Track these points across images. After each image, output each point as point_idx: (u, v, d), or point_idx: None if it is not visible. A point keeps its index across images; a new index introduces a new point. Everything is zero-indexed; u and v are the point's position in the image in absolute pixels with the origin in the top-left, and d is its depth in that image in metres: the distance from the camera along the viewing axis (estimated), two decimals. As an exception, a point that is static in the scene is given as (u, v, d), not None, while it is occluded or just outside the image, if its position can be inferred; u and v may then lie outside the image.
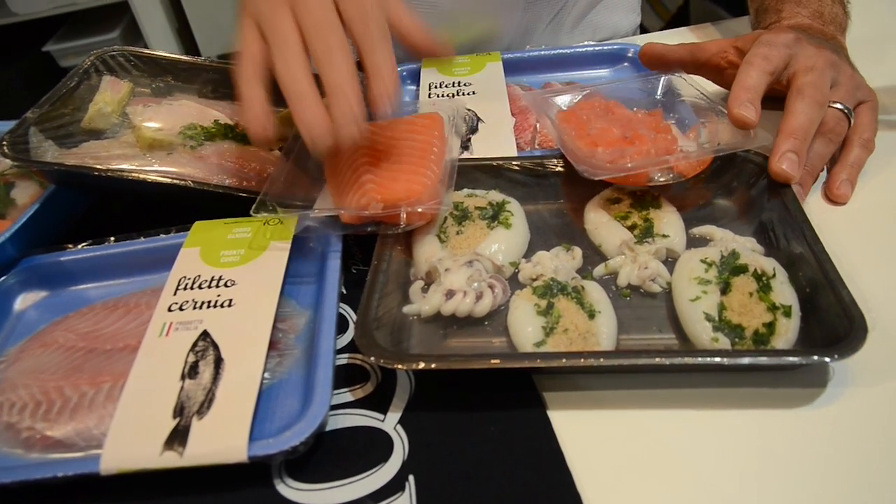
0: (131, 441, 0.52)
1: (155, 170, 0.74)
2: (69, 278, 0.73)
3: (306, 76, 0.60)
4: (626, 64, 0.98)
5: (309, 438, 0.51)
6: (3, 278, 0.71)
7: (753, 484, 0.49)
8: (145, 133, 0.78)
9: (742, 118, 0.67)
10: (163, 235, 0.72)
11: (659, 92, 0.81)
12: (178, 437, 0.51)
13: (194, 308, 0.61)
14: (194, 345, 0.58)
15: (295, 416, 0.54)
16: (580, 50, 0.99)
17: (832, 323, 0.54)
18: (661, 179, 0.68)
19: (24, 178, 0.83)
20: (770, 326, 0.56)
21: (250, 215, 0.67)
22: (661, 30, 2.58)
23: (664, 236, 0.66)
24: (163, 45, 3.67)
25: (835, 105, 0.73)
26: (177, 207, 0.76)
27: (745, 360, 0.52)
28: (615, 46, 0.99)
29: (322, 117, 0.59)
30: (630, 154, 0.66)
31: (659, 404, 0.55)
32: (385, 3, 0.65)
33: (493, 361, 0.53)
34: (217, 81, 0.91)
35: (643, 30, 1.25)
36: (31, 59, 3.42)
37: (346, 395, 0.58)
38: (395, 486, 0.51)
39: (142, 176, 0.72)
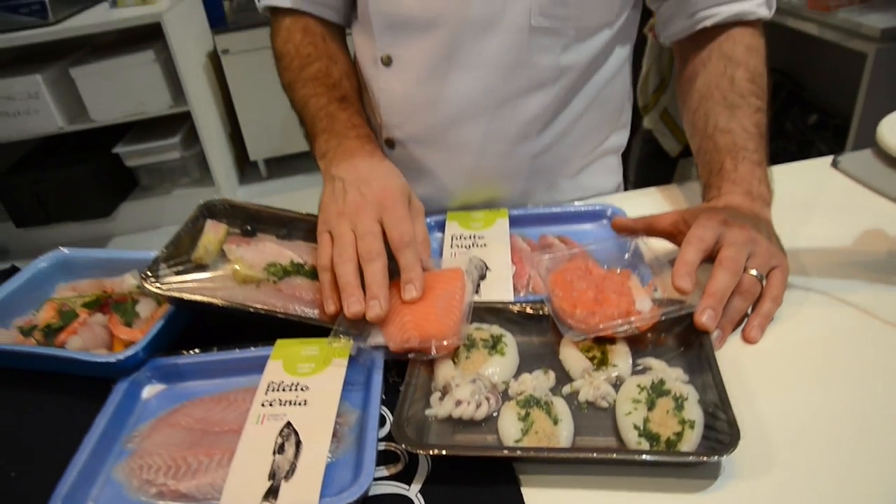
0: (240, 495, 0.76)
1: (248, 302, 0.99)
2: (182, 376, 0.98)
3: (352, 271, 0.94)
4: (605, 220, 1.23)
5: (359, 499, 0.75)
6: (135, 374, 0.96)
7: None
8: (240, 272, 1.05)
9: (681, 288, 0.92)
10: (252, 348, 0.98)
11: (628, 254, 1.08)
12: (271, 493, 0.76)
13: (280, 405, 0.86)
14: (281, 431, 0.83)
15: (348, 484, 0.78)
16: (570, 209, 1.26)
17: (721, 433, 0.78)
18: (623, 332, 0.92)
19: (144, 296, 1.10)
20: (679, 435, 0.79)
21: (319, 337, 0.94)
22: (679, 154, 2.99)
23: (614, 366, 0.90)
24: (217, 149, 4.00)
25: (751, 271, 0.96)
26: (260, 326, 1.01)
27: (655, 458, 0.76)
28: (597, 207, 1.25)
29: (358, 299, 0.92)
30: (600, 315, 0.90)
31: (601, 486, 0.78)
32: (415, 216, 1.01)
33: (484, 451, 0.79)
34: (291, 227, 1.17)
35: (625, 186, 1.53)
36: (102, 159, 3.75)
37: (382, 471, 0.82)
38: (415, 534, 0.76)
39: (244, 307, 0.97)
